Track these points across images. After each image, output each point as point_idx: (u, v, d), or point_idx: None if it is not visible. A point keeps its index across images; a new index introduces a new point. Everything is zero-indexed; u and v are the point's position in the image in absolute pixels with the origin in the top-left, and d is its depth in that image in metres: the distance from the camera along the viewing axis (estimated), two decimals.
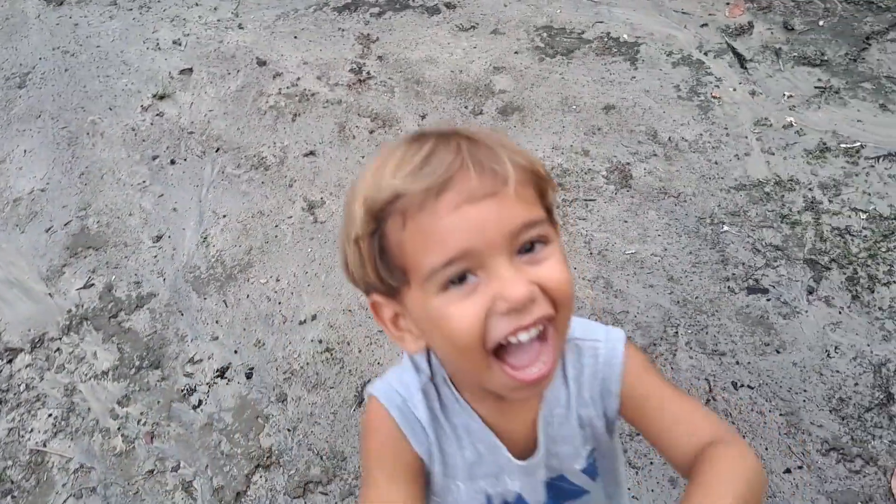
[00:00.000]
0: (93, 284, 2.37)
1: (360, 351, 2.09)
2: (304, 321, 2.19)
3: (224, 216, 2.52)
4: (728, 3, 3.06)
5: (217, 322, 2.22)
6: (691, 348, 1.99)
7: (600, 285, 2.14)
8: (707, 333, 2.02)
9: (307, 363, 2.09)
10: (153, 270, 2.39)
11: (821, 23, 2.90)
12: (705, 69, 2.78)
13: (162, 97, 2.99)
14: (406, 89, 2.87)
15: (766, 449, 1.79)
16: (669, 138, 2.53)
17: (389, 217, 0.64)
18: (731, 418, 1.85)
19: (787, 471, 1.75)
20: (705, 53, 2.85)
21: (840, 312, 2.02)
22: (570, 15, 3.11)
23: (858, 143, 2.43)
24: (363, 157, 2.62)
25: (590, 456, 0.85)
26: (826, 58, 2.75)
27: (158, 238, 2.48)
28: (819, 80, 2.67)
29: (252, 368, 2.09)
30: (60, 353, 2.20)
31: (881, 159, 2.37)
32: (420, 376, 0.80)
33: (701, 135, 2.53)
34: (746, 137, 2.50)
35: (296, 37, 3.22)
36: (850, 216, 2.23)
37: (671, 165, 2.44)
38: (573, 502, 0.87)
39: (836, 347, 1.95)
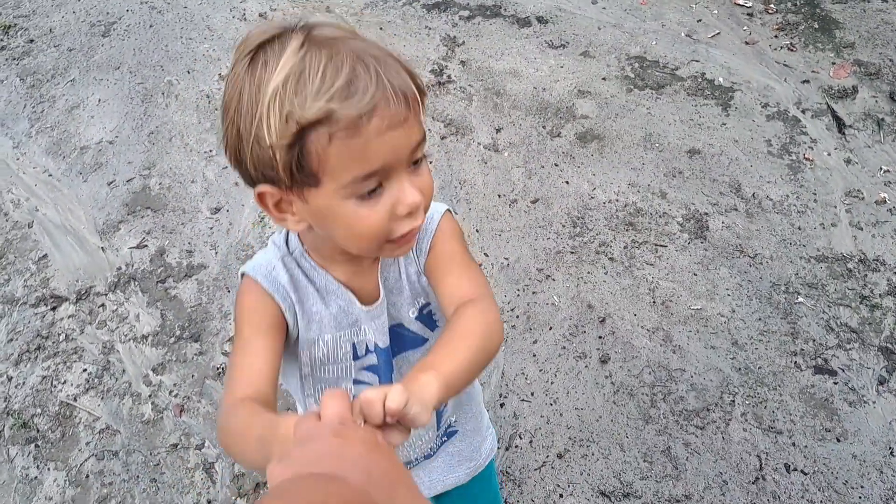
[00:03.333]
0: (146, 245, 2.35)
1: None
2: None
3: None
4: (834, 64, 2.92)
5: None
6: (746, 420, 1.88)
7: (659, 338, 2.05)
8: (766, 408, 1.91)
9: None
10: (207, 242, 2.36)
11: None
12: (801, 128, 2.65)
13: None
14: (485, 99, 2.80)
15: None
16: (754, 194, 2.42)
17: (314, 131, 0.70)
18: (779, 502, 1.75)
19: None
20: (803, 111, 2.72)
21: None
22: (665, 49, 3.01)
23: None
24: (430, 162, 2.56)
25: (423, 308, 0.99)
26: None
27: (217, 210, 2.46)
28: None
29: None
30: (104, 310, 2.19)
31: None
32: (280, 250, 0.93)
33: (787, 196, 2.41)
34: (836, 207, 2.38)
35: (381, 28, 3.17)
36: None
37: (751, 223, 2.33)
38: (414, 351, 1.01)
39: None
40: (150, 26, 3.23)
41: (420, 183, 0.78)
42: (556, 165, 2.53)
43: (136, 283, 2.25)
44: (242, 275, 0.93)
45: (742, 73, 2.89)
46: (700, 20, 3.18)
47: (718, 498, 1.76)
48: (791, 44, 3.04)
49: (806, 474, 1.79)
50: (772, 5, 3.25)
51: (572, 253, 2.26)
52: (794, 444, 1.84)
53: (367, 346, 0.97)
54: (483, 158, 2.57)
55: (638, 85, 2.84)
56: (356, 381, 1.00)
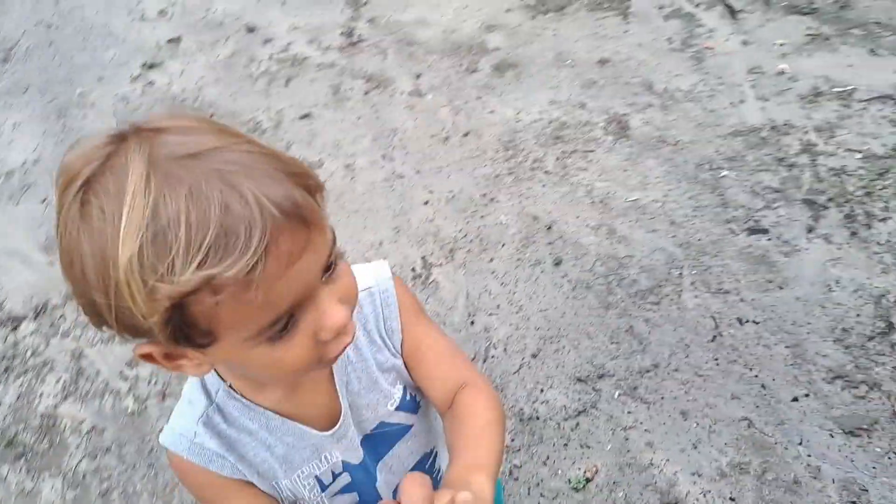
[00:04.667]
0: None
1: None
2: None
3: None
4: None
5: None
6: (696, 288, 2.02)
7: (603, 233, 2.16)
8: (711, 274, 2.05)
9: None
10: None
11: None
12: (697, 21, 2.79)
13: (151, 66, 2.96)
14: (399, 51, 2.86)
15: (774, 379, 1.83)
16: (665, 89, 2.55)
17: (193, 299, 0.54)
18: (737, 352, 1.89)
19: (795, 399, 1.79)
20: (696, 6, 2.86)
21: (839, 249, 2.06)
22: None
23: (851, 87, 2.46)
24: (358, 117, 2.61)
25: (404, 393, 0.86)
26: (815, 6, 2.78)
27: None
28: (809, 27, 2.70)
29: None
30: (65, 320, 2.19)
31: (873, 101, 2.40)
32: (196, 408, 0.79)
33: (696, 84, 2.55)
34: (741, 85, 2.53)
35: (284, 3, 3.19)
36: (845, 157, 2.26)
37: (668, 115, 2.46)
38: (401, 441, 0.88)
39: (836, 282, 1.99)
40: (51, 44, 3.18)
41: (341, 290, 0.64)
42: (479, 98, 2.61)
43: None
44: (165, 447, 0.82)
45: None
46: None
47: (683, 361, 1.89)
48: None
49: (757, 323, 1.94)
50: None
51: (510, 174, 2.36)
52: (742, 300, 1.99)
53: (332, 472, 0.86)
54: (409, 105, 2.64)
55: (541, 10, 2.94)
56: None
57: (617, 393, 1.85)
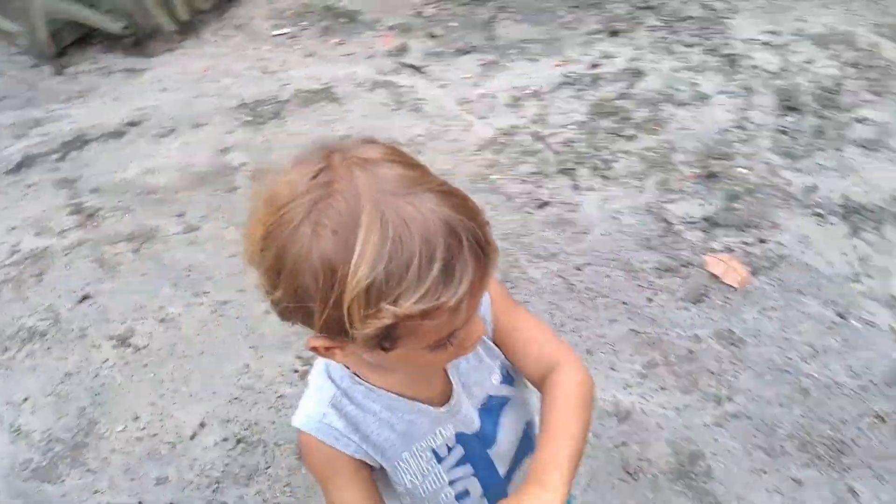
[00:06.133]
0: None
1: (271, 422, 1.99)
2: (195, 434, 1.99)
3: (25, 399, 2.13)
4: (377, 37, 3.57)
5: (96, 491, 1.89)
6: (533, 263, 2.33)
7: None
8: (535, 247, 2.38)
9: (227, 464, 1.91)
10: None
11: (452, 24, 3.58)
12: (395, 85, 3.22)
13: None
14: (143, 203, 2.75)
15: (628, 294, 2.19)
16: (409, 139, 2.88)
17: (409, 319, 0.64)
18: (592, 290, 2.23)
19: (649, 300, 2.18)
20: (386, 75, 3.29)
21: (602, 191, 2.56)
22: (258, 87, 3.31)
23: (533, 87, 3.07)
24: (143, 274, 2.46)
25: (502, 367, 0.96)
26: (473, 44, 3.41)
27: None
28: (478, 59, 3.30)
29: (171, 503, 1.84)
30: None
31: (555, 90, 3.04)
32: (325, 393, 0.87)
33: (428, 127, 2.94)
34: (460, 115, 2.98)
35: None
36: (564, 132, 2.83)
37: (424, 156, 2.79)
38: (502, 413, 0.97)
39: (617, 212, 2.47)
40: None
41: (480, 307, 0.76)
42: None
43: None
44: (298, 429, 0.88)
45: (325, 75, 3.35)
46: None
47: (560, 317, 2.16)
48: (339, 41, 3.61)
49: (590, 264, 2.30)
50: (303, 23, 3.80)
51: None
52: (568, 254, 2.34)
53: (447, 445, 0.92)
54: (189, 241, 2.56)
55: (261, 119, 3.10)
56: (451, 483, 0.95)
57: None
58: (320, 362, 0.88)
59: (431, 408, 0.88)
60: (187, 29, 3.81)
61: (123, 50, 3.73)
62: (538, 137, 2.82)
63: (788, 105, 2.82)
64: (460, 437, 0.92)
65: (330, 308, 0.64)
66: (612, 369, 2.01)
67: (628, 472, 1.80)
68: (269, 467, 1.89)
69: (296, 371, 2.11)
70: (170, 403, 2.07)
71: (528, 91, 3.07)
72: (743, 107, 2.84)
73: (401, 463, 0.90)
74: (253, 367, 2.14)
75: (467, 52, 3.38)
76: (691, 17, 3.41)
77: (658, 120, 2.83)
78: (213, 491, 1.86)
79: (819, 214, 2.38)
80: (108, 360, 2.21)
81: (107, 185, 2.87)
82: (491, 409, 0.95)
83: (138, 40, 3.71)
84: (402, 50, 3.45)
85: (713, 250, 2.31)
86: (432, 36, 3.53)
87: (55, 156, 3.08)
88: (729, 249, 2.30)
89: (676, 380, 1.97)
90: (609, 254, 2.33)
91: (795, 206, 2.41)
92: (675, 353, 2.04)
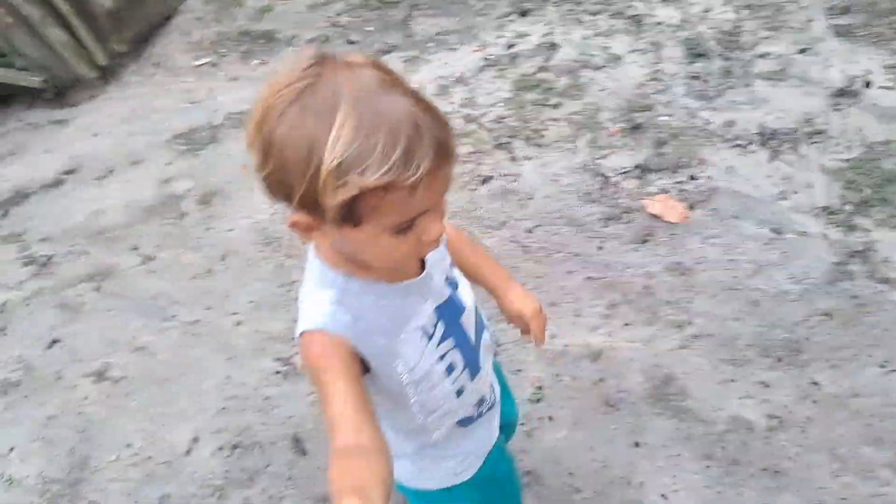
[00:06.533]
0: None
1: (263, 424, 2.03)
2: (189, 449, 2.02)
3: (11, 449, 2.13)
4: (297, 50, 3.64)
5: None
6: (487, 232, 2.43)
7: None
8: (486, 219, 2.48)
9: (226, 470, 1.95)
10: None
11: (369, 28, 3.68)
12: None
13: None
14: (96, 243, 2.76)
15: (578, 246, 2.32)
16: None
17: (370, 193, 0.75)
18: (544, 249, 2.34)
19: (599, 248, 2.30)
20: None
21: (539, 159, 2.68)
22: (188, 117, 3.34)
23: (458, 74, 3.19)
24: (109, 309, 2.47)
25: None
26: (392, 44, 3.52)
27: None
28: (401, 56, 3.41)
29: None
30: None
31: (478, 73, 3.16)
32: (327, 294, 0.93)
33: None
34: None
35: None
36: (494, 110, 2.94)
37: None
38: (459, 284, 1.11)
39: (556, 174, 2.60)
40: None
41: (444, 211, 0.87)
42: (208, 229, 2.68)
43: None
44: (301, 334, 0.93)
45: (252, 97, 3.39)
46: None
47: (523, 277, 2.26)
48: (262, 60, 3.66)
49: (540, 225, 2.42)
50: (222, 51, 3.83)
51: (275, 257, 2.49)
52: (517, 220, 2.46)
53: (432, 323, 1.03)
54: (150, 270, 2.57)
55: (194, 147, 3.13)
56: (441, 358, 1.05)
57: (503, 325, 2.13)
58: (311, 279, 0.96)
59: (411, 280, 0.99)
60: (107, 73, 3.80)
61: (46, 103, 3.70)
62: (470, 119, 2.94)
63: (695, 52, 3.00)
64: (438, 311, 1.03)
65: (307, 181, 0.75)
66: (578, 316, 2.13)
67: (610, 405, 1.91)
68: (270, 465, 1.94)
69: (277, 372, 2.16)
70: (159, 426, 2.09)
71: (452, 78, 3.18)
72: (654, 61, 3.01)
73: (399, 348, 0.98)
74: (234, 377, 2.18)
75: (388, 52, 3.48)
76: None
77: (579, 85, 2.98)
78: (218, 498, 1.90)
79: (740, 146, 2.55)
80: (87, 396, 2.22)
81: (55, 233, 2.86)
82: (451, 282, 1.08)
83: (60, 91, 3.69)
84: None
85: (650, 194, 2.45)
86: (351, 42, 3.62)
87: None
88: (664, 191, 2.45)
89: (638, 314, 2.10)
90: (555, 213, 2.45)
91: (718, 142, 2.58)
92: (633, 290, 2.17)
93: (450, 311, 1.06)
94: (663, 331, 2.05)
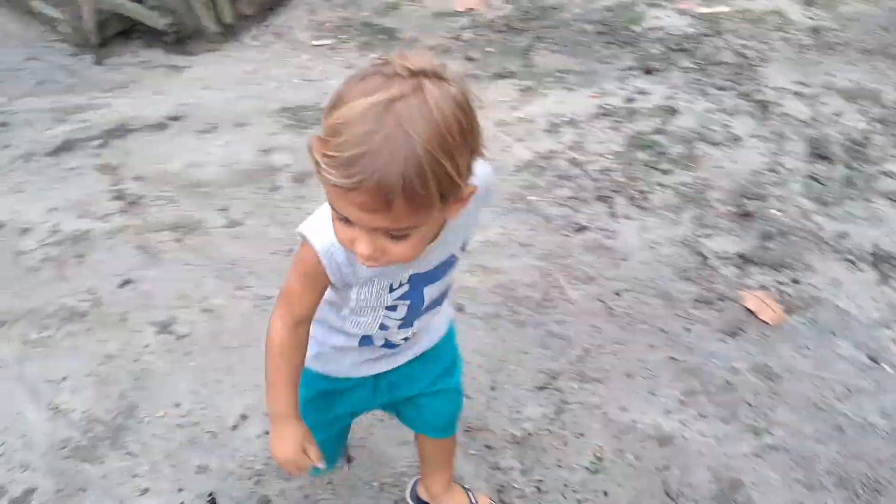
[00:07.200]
0: None
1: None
2: (236, 425, 2.00)
3: (64, 378, 2.13)
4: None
5: (135, 475, 1.89)
6: (572, 284, 2.38)
7: (479, 271, 2.41)
8: (574, 269, 2.43)
9: (268, 457, 1.92)
10: (12, 468, 1.91)
11: (490, 49, 3.67)
12: None
13: None
14: (189, 195, 2.78)
15: (666, 322, 2.25)
16: None
17: (318, 164, 0.86)
18: (630, 315, 2.28)
19: (687, 329, 2.23)
20: None
21: (639, 220, 2.63)
22: (299, 93, 3.36)
23: (570, 116, 3.16)
24: (186, 264, 2.48)
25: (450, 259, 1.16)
26: (510, 70, 3.50)
27: None
28: (517, 85, 3.39)
29: (212, 494, 1.84)
30: None
31: (592, 120, 3.12)
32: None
33: None
34: (499, 136, 3.05)
35: (20, 191, 2.86)
36: (600, 160, 2.90)
37: None
38: (442, 280, 1.21)
39: (654, 242, 2.54)
40: None
41: (389, 246, 0.91)
42: (298, 208, 2.69)
43: None
44: (304, 239, 1.06)
45: None
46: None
47: (601, 338, 2.20)
48: (378, 56, 3.68)
49: (629, 290, 2.36)
50: (342, 37, 3.87)
51: None
52: (607, 279, 2.40)
53: (401, 282, 1.14)
54: (233, 236, 2.58)
55: (302, 127, 3.15)
56: (387, 307, 1.19)
57: (573, 384, 2.08)
58: None
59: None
60: (229, 32, 3.87)
61: (165, 46, 3.78)
62: (575, 163, 2.89)
63: (819, 153, 2.92)
64: (413, 276, 1.14)
65: (322, 122, 0.86)
66: (652, 394, 2.05)
67: (670, 496, 1.83)
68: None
69: None
70: (212, 393, 2.08)
71: (565, 118, 3.15)
72: (775, 151, 2.94)
73: (363, 289, 1.13)
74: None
75: (505, 77, 3.46)
76: (724, 63, 3.53)
77: (693, 157, 2.92)
78: (255, 483, 1.87)
79: (850, 261, 2.46)
80: (148, 345, 2.22)
81: (149, 174, 2.90)
82: (445, 265, 1.17)
83: (180, 38, 3.76)
84: None
85: (748, 287, 2.37)
86: (470, 59, 3.62)
87: (96, 142, 3.10)
88: (763, 287, 2.37)
89: (716, 409, 2.02)
90: (647, 281, 2.39)
91: (827, 251, 2.49)
92: (714, 382, 2.09)
93: (423, 279, 1.15)
94: (739, 433, 1.96)
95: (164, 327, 2.27)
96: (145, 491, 1.86)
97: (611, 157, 2.92)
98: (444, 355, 1.47)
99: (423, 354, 1.41)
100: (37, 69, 3.72)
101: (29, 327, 2.29)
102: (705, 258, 2.47)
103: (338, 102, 0.84)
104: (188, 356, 2.18)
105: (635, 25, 3.78)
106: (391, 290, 1.15)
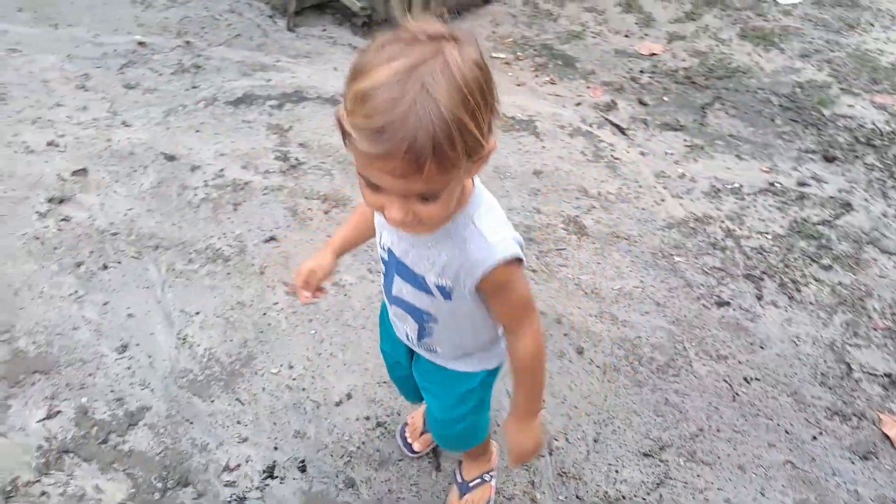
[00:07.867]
0: (59, 412, 1.95)
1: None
2: (340, 402, 2.05)
3: (197, 313, 2.26)
4: (588, 87, 3.62)
5: (239, 422, 1.97)
6: (701, 357, 2.27)
7: (607, 319, 2.35)
8: (706, 343, 2.32)
9: (363, 442, 1.95)
10: (133, 383, 2.05)
11: (665, 98, 3.58)
12: (597, 138, 3.24)
13: (61, 201, 2.62)
14: (344, 171, 2.89)
15: (792, 424, 2.10)
16: (598, 193, 2.89)
17: (347, 130, 0.90)
18: (756, 407, 2.15)
19: (814, 438, 2.07)
20: (590, 126, 3.32)
21: (786, 311, 2.47)
22: None
23: (737, 184, 3.02)
24: (328, 236, 2.57)
25: (441, 285, 1.16)
26: (682, 123, 3.40)
27: (124, 348, 2.14)
28: (685, 140, 3.28)
29: (303, 461, 1.89)
30: (49, 497, 1.77)
31: (757, 194, 2.98)
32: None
33: (620, 188, 2.94)
34: (655, 187, 2.97)
35: (198, 131, 3.07)
36: (758, 238, 2.76)
37: (611, 214, 2.79)
38: (410, 286, 1.22)
39: (797, 337, 2.38)
40: None
41: (421, 208, 0.93)
42: None
43: (72, 454, 1.86)
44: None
45: (532, 108, 3.42)
46: None
47: (720, 422, 2.09)
48: (550, 79, 3.69)
49: (759, 380, 2.22)
50: (519, 54, 3.90)
51: None
52: (739, 362, 2.27)
53: (388, 246, 1.22)
54: None
55: None
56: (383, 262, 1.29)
57: (681, 460, 1.98)
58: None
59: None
60: None
61: (354, 28, 3.95)
62: (729, 234, 2.77)
63: None
64: (390, 252, 1.22)
65: (345, 93, 0.89)
66: (762, 494, 1.92)
67: None
68: (402, 460, 1.92)
69: None
70: (324, 364, 2.14)
71: (728, 186, 3.02)
72: None
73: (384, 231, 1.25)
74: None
75: (674, 129, 3.37)
76: None
77: (858, 259, 2.72)
78: (345, 463, 1.90)
79: None
80: (278, 302, 2.32)
81: (313, 143, 3.03)
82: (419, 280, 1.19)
83: (369, 23, 3.92)
84: (610, 107, 3.48)
85: (891, 411, 2.18)
86: (642, 103, 3.55)
87: (273, 102, 3.28)
88: None
89: None
90: (781, 376, 2.24)
91: None
92: (831, 501, 1.93)
93: (396, 263, 1.21)
94: None
95: (295, 290, 2.36)
96: (245, 440, 1.94)
97: (770, 237, 2.77)
98: (452, 385, 1.44)
99: (437, 367, 1.42)
100: (235, 23, 3.98)
101: (177, 257, 2.46)
102: (850, 369, 2.29)
103: (360, 72, 0.86)
104: (311, 323, 2.26)
105: (825, 108, 3.57)
106: (380, 240, 1.25)
